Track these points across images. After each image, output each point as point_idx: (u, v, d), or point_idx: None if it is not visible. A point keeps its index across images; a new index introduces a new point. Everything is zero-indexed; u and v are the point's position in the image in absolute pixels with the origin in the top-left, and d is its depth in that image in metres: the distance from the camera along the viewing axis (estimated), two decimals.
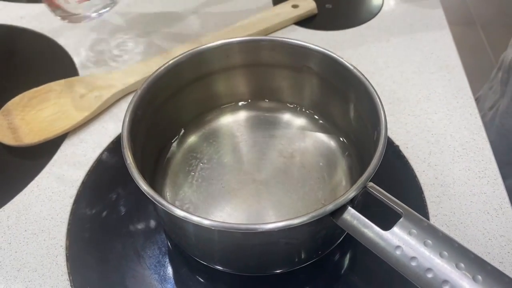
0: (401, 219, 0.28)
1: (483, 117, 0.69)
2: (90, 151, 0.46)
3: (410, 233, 0.27)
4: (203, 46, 0.40)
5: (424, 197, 0.42)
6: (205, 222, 0.28)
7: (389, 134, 0.47)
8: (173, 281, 0.37)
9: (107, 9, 0.56)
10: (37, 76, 0.55)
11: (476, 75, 0.77)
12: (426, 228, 0.27)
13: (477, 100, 0.76)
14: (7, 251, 0.39)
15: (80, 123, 0.48)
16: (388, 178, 0.42)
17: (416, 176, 0.43)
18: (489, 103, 0.71)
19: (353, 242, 0.39)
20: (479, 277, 0.25)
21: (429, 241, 0.26)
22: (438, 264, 0.25)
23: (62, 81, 0.52)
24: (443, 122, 0.48)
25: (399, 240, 0.27)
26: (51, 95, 0.50)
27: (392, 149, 0.46)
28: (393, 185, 0.42)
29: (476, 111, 0.48)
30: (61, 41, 0.59)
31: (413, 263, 0.26)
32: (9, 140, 0.46)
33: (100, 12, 0.56)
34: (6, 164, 0.46)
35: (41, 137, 0.46)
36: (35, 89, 0.51)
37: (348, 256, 0.39)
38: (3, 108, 0.49)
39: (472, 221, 0.40)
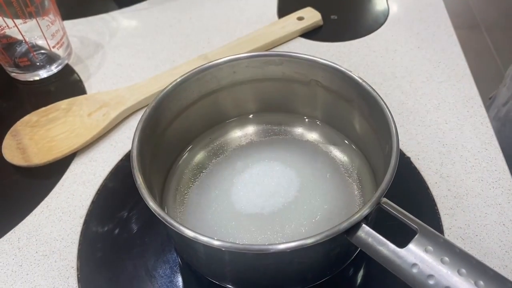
0: (416, 236, 0.27)
1: (497, 113, 0.69)
2: (100, 170, 0.46)
3: (426, 250, 0.26)
4: (211, 63, 0.40)
5: (437, 209, 0.41)
6: (215, 243, 0.28)
7: (400, 145, 0.46)
8: None
9: (58, 67, 0.58)
10: (45, 95, 0.55)
11: (482, 78, 0.76)
12: (442, 244, 0.27)
13: (491, 99, 0.76)
14: (18, 274, 0.39)
15: (89, 142, 0.48)
16: (400, 190, 0.41)
17: (429, 188, 0.43)
18: (503, 99, 0.71)
19: (366, 258, 0.38)
20: None
21: (446, 258, 0.26)
22: (457, 282, 0.25)
23: (69, 100, 0.52)
24: (454, 132, 0.47)
25: (416, 258, 0.26)
26: (59, 114, 0.50)
27: (403, 160, 0.45)
28: (405, 198, 0.41)
29: (487, 120, 0.48)
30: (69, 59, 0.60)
31: (431, 282, 0.25)
32: (19, 161, 0.46)
33: (50, 70, 0.58)
34: (16, 185, 0.46)
35: (50, 157, 0.46)
36: (43, 108, 0.51)
37: (361, 272, 0.38)
38: (11, 129, 0.49)
39: (487, 233, 0.39)
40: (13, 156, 0.46)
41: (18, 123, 0.50)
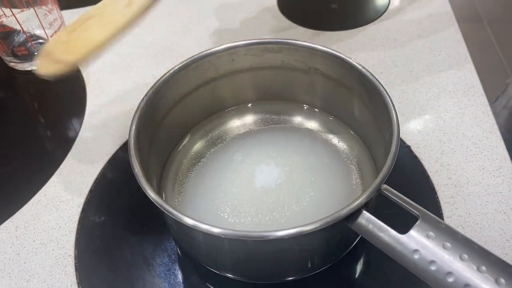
0: (418, 222, 0.27)
1: (508, 102, 0.68)
2: (98, 159, 0.46)
3: (428, 236, 0.26)
4: (208, 51, 0.40)
5: (437, 198, 0.41)
6: (215, 230, 0.28)
7: (400, 134, 0.46)
8: None
9: None
10: (42, 85, 0.54)
11: (485, 71, 0.75)
12: (444, 230, 0.26)
13: (508, 84, 0.74)
14: (16, 262, 0.39)
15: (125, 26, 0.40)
16: (400, 179, 0.41)
17: (429, 176, 0.43)
18: None
19: (366, 246, 0.38)
20: (502, 280, 0.24)
21: (448, 244, 0.26)
22: (459, 267, 0.25)
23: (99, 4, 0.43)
24: (455, 121, 0.47)
25: (417, 244, 0.26)
26: (93, 21, 0.41)
27: (404, 149, 0.45)
28: (406, 186, 0.40)
29: (488, 108, 0.47)
30: None
31: (433, 267, 0.25)
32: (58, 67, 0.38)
33: None
34: (13, 174, 0.46)
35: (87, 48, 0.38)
36: (72, 23, 0.42)
37: (362, 260, 0.38)
38: (42, 50, 0.41)
39: (488, 221, 0.39)
40: (48, 68, 0.39)
41: (47, 44, 0.42)
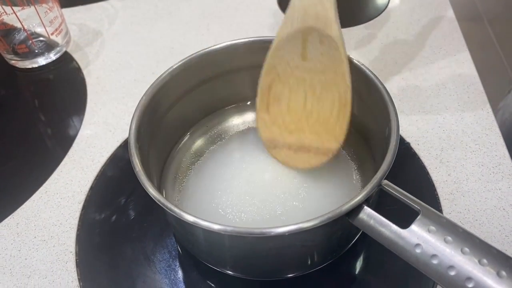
0: (419, 216, 0.27)
1: None
2: (98, 156, 0.46)
3: (429, 231, 0.26)
4: (209, 48, 0.40)
5: (437, 194, 0.41)
6: (215, 227, 0.28)
7: (400, 131, 0.46)
8: (184, 286, 0.37)
9: (56, 54, 0.58)
10: (43, 83, 0.54)
11: (485, 69, 0.76)
12: (445, 224, 0.26)
13: None
14: (17, 258, 0.39)
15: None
16: (399, 175, 0.41)
17: (428, 173, 0.43)
18: None
19: (366, 242, 0.38)
20: (504, 272, 0.24)
21: (450, 238, 0.26)
22: (460, 261, 0.25)
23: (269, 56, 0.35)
24: (454, 118, 0.47)
25: (418, 238, 0.26)
26: (276, 84, 0.36)
27: (403, 146, 0.45)
28: (405, 183, 0.40)
29: (488, 105, 0.47)
30: None
31: (434, 261, 0.25)
32: (312, 160, 0.37)
33: (49, 58, 0.57)
34: (15, 171, 0.46)
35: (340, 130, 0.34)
36: (258, 96, 0.37)
37: (362, 256, 0.38)
38: (266, 141, 0.39)
39: (487, 218, 0.39)
40: (299, 160, 0.37)
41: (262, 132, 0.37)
